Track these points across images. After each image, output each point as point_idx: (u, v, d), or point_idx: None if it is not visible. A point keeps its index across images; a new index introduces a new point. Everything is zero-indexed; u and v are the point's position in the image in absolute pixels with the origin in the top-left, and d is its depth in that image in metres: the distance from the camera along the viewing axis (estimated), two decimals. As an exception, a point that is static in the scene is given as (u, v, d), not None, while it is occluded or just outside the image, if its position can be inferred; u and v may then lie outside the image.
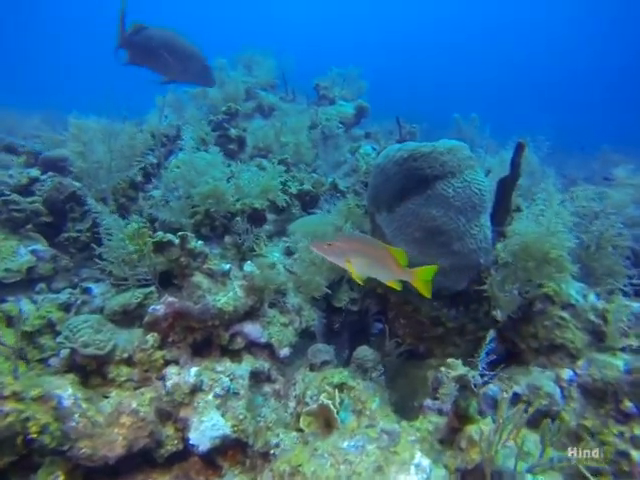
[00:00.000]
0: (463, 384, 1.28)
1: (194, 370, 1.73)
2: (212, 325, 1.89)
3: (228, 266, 2.02)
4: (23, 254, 2.14)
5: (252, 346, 2.13)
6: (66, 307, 1.96)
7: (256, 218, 2.36)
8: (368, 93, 5.32)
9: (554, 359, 1.84)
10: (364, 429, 1.34)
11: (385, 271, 1.47)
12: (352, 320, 2.64)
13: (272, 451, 1.55)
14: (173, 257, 1.78)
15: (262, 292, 2.14)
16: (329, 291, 2.33)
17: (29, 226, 2.26)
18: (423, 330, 2.09)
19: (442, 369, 1.36)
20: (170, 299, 1.79)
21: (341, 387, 1.69)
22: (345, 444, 1.27)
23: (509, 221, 1.99)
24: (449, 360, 1.36)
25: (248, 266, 2.10)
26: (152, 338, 1.75)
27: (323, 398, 1.49)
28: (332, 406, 1.45)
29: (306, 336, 2.48)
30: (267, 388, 2.11)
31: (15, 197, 2.18)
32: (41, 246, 2.21)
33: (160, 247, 1.76)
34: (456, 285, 1.93)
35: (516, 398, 1.63)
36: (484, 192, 1.85)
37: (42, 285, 2.15)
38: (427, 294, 1.48)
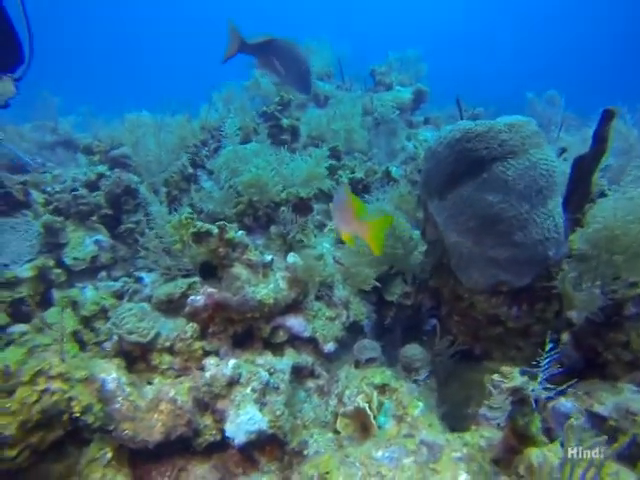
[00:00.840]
0: (520, 398, 1.08)
1: (232, 362, 1.72)
2: (252, 317, 1.86)
3: (270, 257, 1.98)
4: (88, 244, 2.31)
5: (295, 340, 2.08)
6: (120, 295, 2.08)
7: (302, 208, 2.29)
8: (428, 76, 4.97)
9: (659, 378, 1.50)
10: (402, 439, 1.20)
11: (342, 222, 1.28)
12: (405, 315, 2.47)
13: (306, 451, 1.48)
14: (212, 247, 1.77)
15: (306, 284, 2.07)
16: (378, 284, 2.19)
17: (94, 218, 2.43)
18: (479, 329, 1.87)
19: (494, 376, 1.17)
20: (209, 290, 1.79)
21: (383, 388, 1.56)
22: (379, 454, 1.15)
23: (589, 207, 1.68)
24: (503, 368, 1.16)
25: (291, 257, 2.04)
26: (191, 329, 1.77)
27: (360, 400, 1.38)
28: (369, 410, 1.33)
29: (354, 331, 2.37)
30: (310, 384, 2.05)
31: (83, 192, 2.35)
32: (102, 237, 2.36)
33: (199, 237, 1.76)
34: (518, 280, 1.68)
35: (598, 421, 1.36)
36: (554, 173, 1.58)
37: (103, 273, 2.30)
38: (377, 251, 1.26)
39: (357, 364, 2.01)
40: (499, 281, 1.72)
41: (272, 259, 1.99)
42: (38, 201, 2.49)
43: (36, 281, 1.97)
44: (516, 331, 1.81)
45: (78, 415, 1.28)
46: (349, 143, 3.09)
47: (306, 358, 2.04)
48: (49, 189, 2.55)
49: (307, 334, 2.05)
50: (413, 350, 1.88)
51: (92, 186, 2.60)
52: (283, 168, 2.13)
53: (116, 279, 2.30)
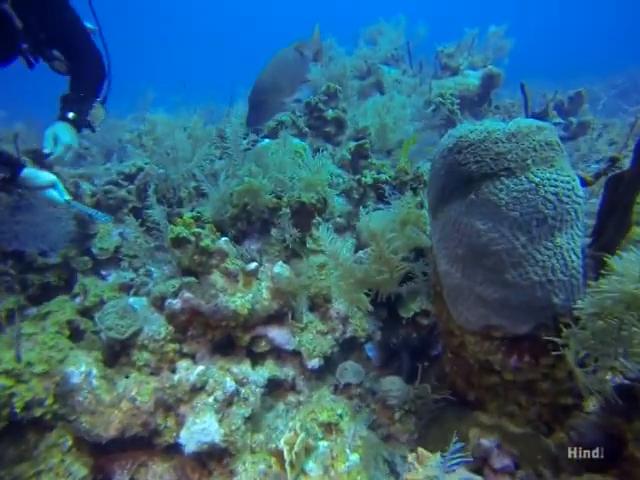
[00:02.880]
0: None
1: (198, 369, 1.72)
2: (227, 325, 1.84)
3: (253, 265, 1.92)
4: (114, 235, 2.52)
5: (281, 352, 2.02)
6: (128, 287, 2.23)
7: (304, 213, 2.17)
8: (513, 55, 4.29)
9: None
10: (301, 499, 1.07)
11: None
12: (420, 336, 2.22)
13: (235, 478, 1.42)
14: (189, 254, 1.78)
15: (291, 296, 1.97)
16: (371, 307, 1.97)
17: (125, 210, 2.64)
18: (471, 374, 1.58)
19: (410, 457, 0.96)
20: (186, 295, 1.81)
21: (329, 427, 1.42)
22: (271, 511, 1.04)
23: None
24: (420, 449, 0.94)
25: (278, 267, 1.96)
26: (165, 330, 1.81)
27: (283, 440, 1.27)
28: (286, 453, 1.21)
29: (354, 349, 2.22)
30: (292, 398, 1.97)
31: (110, 187, 2.56)
32: (129, 229, 2.55)
33: (177, 243, 1.78)
34: (512, 327, 1.36)
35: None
36: (568, 199, 1.21)
37: (125, 264, 2.50)
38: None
39: (335, 388, 1.88)
40: (490, 324, 1.41)
41: (256, 267, 1.93)
42: (87, 193, 2.78)
43: (62, 268, 2.23)
44: (516, 385, 1.48)
45: (18, 411, 1.40)
46: (381, 140, 2.83)
47: (287, 372, 1.97)
48: (97, 182, 2.84)
49: (290, 347, 1.96)
50: (391, 384, 1.68)
51: (131, 179, 2.82)
52: (281, 175, 2.03)
53: (136, 269, 2.48)
